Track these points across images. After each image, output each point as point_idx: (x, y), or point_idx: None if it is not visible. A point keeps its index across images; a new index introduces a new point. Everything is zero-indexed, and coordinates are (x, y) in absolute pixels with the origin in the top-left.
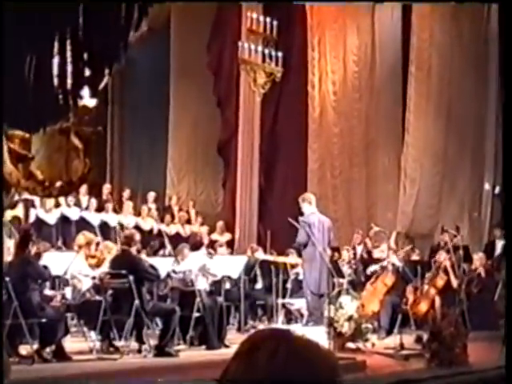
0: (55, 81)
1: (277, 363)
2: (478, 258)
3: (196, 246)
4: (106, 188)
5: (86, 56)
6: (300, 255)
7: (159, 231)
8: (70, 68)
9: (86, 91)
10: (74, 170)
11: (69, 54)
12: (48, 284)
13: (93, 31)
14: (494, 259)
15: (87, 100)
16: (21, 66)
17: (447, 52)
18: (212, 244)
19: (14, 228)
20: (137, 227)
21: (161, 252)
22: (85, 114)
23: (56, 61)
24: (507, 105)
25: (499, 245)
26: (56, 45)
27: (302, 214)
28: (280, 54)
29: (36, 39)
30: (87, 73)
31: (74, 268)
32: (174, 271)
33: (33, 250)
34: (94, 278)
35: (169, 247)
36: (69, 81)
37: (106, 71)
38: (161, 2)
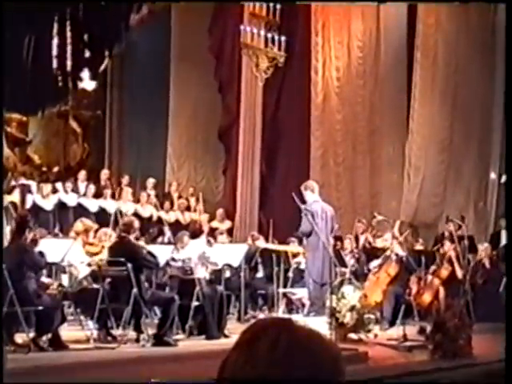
0: (54, 62)
1: (278, 353)
2: (484, 248)
3: (196, 234)
4: (105, 174)
5: (86, 37)
6: (301, 244)
7: (158, 218)
8: (69, 49)
9: (85, 73)
10: (73, 154)
11: (68, 35)
12: (45, 271)
13: (93, 12)
14: (500, 249)
15: (86, 83)
16: (19, 48)
17: (453, 39)
18: (212, 232)
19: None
20: (136, 214)
21: (160, 239)
22: (83, 98)
23: (55, 42)
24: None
25: (504, 235)
26: (55, 26)
27: (304, 202)
28: (283, 39)
29: (35, 20)
30: (87, 54)
31: (71, 255)
32: (173, 259)
33: (29, 236)
34: (89, 264)
35: (168, 234)
36: (68, 62)
37: (107, 53)
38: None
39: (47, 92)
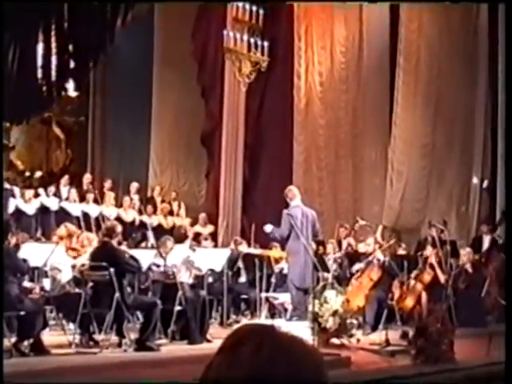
0: (39, 72)
1: (261, 359)
2: (465, 253)
3: (180, 239)
4: (87, 178)
5: (71, 48)
6: (284, 249)
7: (141, 222)
8: (54, 59)
9: (70, 84)
10: (55, 160)
11: (53, 45)
12: (27, 276)
13: (78, 22)
14: (482, 254)
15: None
16: (5, 57)
17: (436, 44)
18: (197, 237)
19: None
20: (118, 218)
21: (143, 244)
22: (67, 104)
23: (40, 52)
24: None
25: (486, 240)
26: (40, 35)
27: (287, 206)
28: (266, 44)
29: (20, 29)
30: (72, 65)
31: (54, 259)
32: (155, 264)
33: (12, 240)
34: (73, 266)
35: (151, 239)
36: (53, 73)
37: (91, 64)
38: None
39: (32, 101)
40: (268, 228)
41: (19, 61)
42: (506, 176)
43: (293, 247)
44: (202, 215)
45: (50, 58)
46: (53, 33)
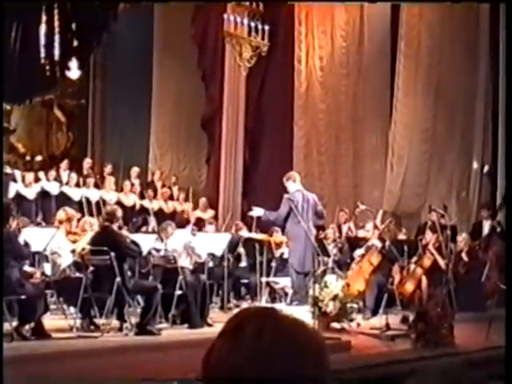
0: (42, 51)
1: (262, 342)
2: (462, 238)
3: (182, 224)
4: (87, 163)
5: (74, 26)
6: (284, 233)
7: (142, 207)
8: (57, 38)
9: (73, 63)
10: (57, 143)
11: (56, 24)
12: (27, 260)
13: (82, 1)
14: (482, 239)
15: (71, 72)
16: (7, 37)
17: (437, 28)
18: (198, 222)
19: None
20: (118, 203)
21: (143, 229)
22: (68, 87)
23: (43, 31)
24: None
25: (486, 225)
26: (43, 15)
27: (287, 192)
28: (266, 28)
29: (22, 9)
30: (75, 43)
31: (55, 244)
32: (155, 249)
33: (13, 225)
34: (73, 251)
35: (152, 223)
36: (56, 52)
37: (95, 43)
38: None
39: (35, 81)
40: (257, 212)
41: (22, 40)
42: (506, 163)
43: (293, 232)
44: (203, 200)
45: (53, 37)
46: (56, 11)
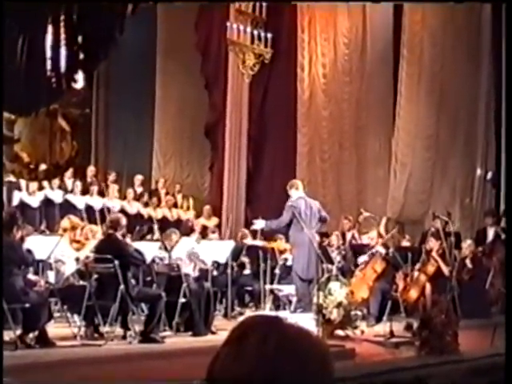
0: (48, 64)
1: (267, 350)
2: (467, 245)
3: (187, 233)
4: (91, 171)
5: (80, 39)
6: (288, 241)
7: (146, 215)
8: (63, 51)
9: (79, 75)
10: (61, 152)
11: (62, 36)
12: (31, 269)
13: (88, 14)
14: (486, 246)
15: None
16: (13, 48)
17: (439, 35)
18: (203, 230)
19: None
20: (122, 211)
21: (148, 237)
22: (72, 96)
23: (49, 43)
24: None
25: (491, 231)
26: (49, 27)
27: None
28: (269, 35)
29: (28, 20)
30: (81, 56)
31: (59, 252)
32: (159, 257)
33: (18, 234)
34: (77, 259)
35: (157, 233)
36: (62, 64)
37: (102, 55)
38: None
39: (41, 93)
40: (259, 225)
41: (28, 52)
42: (506, 168)
43: (297, 239)
44: (207, 207)
45: (59, 49)
46: (62, 24)
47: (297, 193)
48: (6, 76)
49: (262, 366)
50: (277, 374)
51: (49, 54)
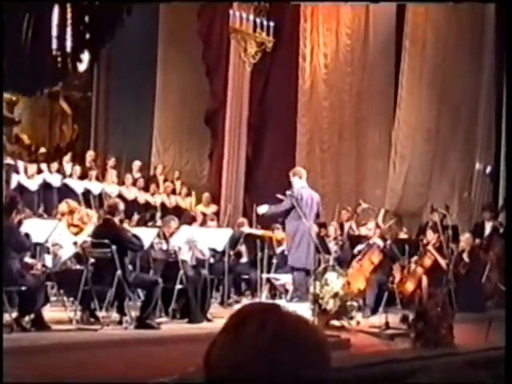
0: (54, 43)
1: (264, 338)
2: (465, 238)
3: (189, 222)
4: (90, 155)
5: (87, 19)
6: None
7: (147, 202)
8: (69, 30)
9: (85, 55)
10: (62, 135)
11: (69, 16)
12: (28, 252)
13: None
14: (483, 240)
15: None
16: (18, 27)
17: (442, 28)
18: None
19: None
20: (120, 196)
21: (150, 223)
22: (75, 79)
23: (55, 22)
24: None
25: (488, 226)
26: (56, 6)
27: (291, 187)
28: (272, 24)
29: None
30: (87, 36)
31: (56, 236)
32: (158, 243)
33: (16, 218)
34: (75, 243)
35: (159, 221)
36: (68, 43)
37: (108, 36)
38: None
39: (46, 73)
40: (262, 209)
41: (33, 31)
42: (506, 163)
43: (295, 228)
44: (206, 195)
45: (66, 28)
46: (68, 3)
47: (300, 182)
48: (11, 55)
49: (259, 353)
50: (274, 361)
51: (55, 32)
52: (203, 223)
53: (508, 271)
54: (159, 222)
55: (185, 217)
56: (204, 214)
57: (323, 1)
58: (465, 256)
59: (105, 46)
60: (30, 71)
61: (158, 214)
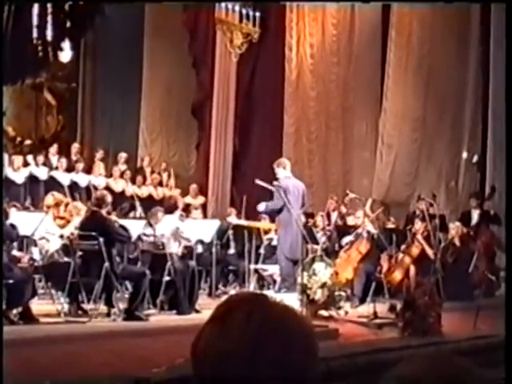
0: (35, 32)
1: (251, 328)
2: (455, 227)
3: (170, 210)
4: (75, 147)
5: (67, 7)
6: (273, 221)
7: (128, 193)
8: (50, 19)
9: (66, 44)
10: (47, 127)
11: (49, 4)
12: (15, 245)
13: None
14: (470, 229)
15: (62, 55)
16: None
17: (428, 17)
18: (187, 207)
19: None
20: (107, 188)
21: (131, 214)
22: (59, 70)
23: (36, 11)
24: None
25: (475, 214)
26: None
27: (276, 178)
28: (258, 15)
29: None
30: (68, 24)
31: (43, 228)
32: (144, 234)
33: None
34: (61, 236)
35: (139, 210)
36: (49, 32)
37: (88, 24)
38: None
39: (27, 62)
40: (262, 207)
41: (14, 20)
42: (506, 153)
43: (284, 219)
44: (193, 186)
45: (46, 17)
46: None
47: (284, 172)
48: None
49: (246, 343)
50: (261, 351)
51: (35, 21)
52: (188, 213)
53: (508, 261)
54: (139, 211)
55: (165, 205)
56: (188, 205)
57: (314, 1)
58: (456, 242)
59: (86, 34)
60: (10, 60)
61: (138, 204)
